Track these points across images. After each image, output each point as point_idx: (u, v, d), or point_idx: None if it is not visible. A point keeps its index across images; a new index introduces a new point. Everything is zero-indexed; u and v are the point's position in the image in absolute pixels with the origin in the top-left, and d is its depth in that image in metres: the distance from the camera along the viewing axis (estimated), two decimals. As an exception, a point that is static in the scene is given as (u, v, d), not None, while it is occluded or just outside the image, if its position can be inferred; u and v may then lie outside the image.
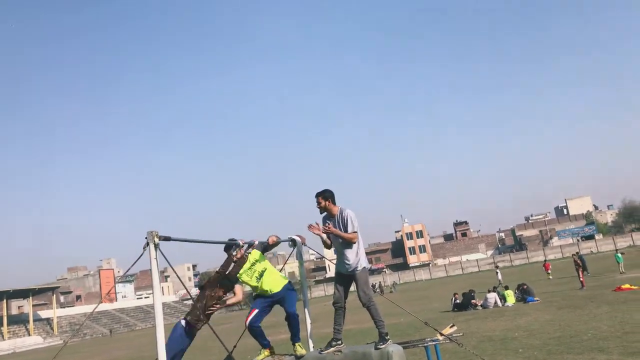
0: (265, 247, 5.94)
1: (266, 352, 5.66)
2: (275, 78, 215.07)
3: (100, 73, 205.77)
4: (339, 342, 5.34)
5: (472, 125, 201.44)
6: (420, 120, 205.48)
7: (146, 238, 4.15)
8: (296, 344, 5.60)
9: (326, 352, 5.19)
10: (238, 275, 5.54)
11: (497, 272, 36.74)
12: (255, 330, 5.62)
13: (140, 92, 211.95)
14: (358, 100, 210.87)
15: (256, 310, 5.66)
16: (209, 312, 5.33)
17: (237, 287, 5.74)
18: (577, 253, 29.09)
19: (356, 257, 5.38)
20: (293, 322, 5.77)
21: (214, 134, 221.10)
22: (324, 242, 5.64)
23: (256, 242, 5.79)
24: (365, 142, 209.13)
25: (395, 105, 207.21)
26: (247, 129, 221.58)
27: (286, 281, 5.93)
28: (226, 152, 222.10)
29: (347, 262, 5.40)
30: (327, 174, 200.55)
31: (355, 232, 5.41)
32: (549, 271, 35.01)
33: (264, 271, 5.78)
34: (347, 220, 5.45)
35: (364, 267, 5.41)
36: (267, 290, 5.78)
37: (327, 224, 5.48)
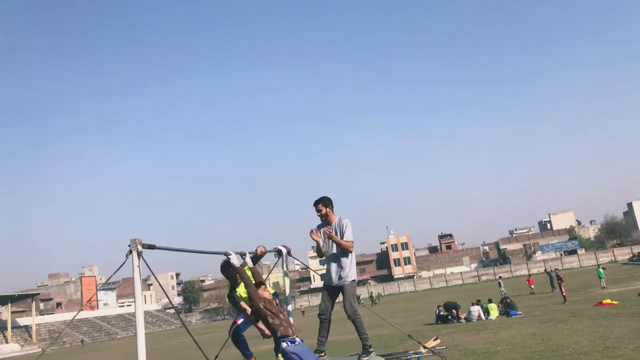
0: (254, 258, 5.89)
1: None
2: (262, 89, 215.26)
3: (85, 75, 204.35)
4: (322, 353, 5.32)
5: (460, 140, 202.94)
6: (407, 133, 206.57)
7: (129, 246, 4.10)
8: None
9: None
10: (237, 291, 5.46)
11: (499, 283, 36.19)
12: (239, 339, 5.57)
13: (124, 97, 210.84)
14: (344, 111, 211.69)
15: (241, 320, 5.62)
16: (278, 312, 4.78)
17: (243, 304, 5.55)
18: (557, 269, 29.42)
19: (348, 268, 5.36)
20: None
21: (199, 140, 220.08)
22: (318, 250, 5.62)
23: (247, 253, 5.74)
24: (353, 153, 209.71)
25: (382, 117, 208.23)
26: (233, 137, 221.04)
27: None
28: (211, 160, 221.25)
29: (338, 273, 5.39)
30: (313, 183, 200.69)
31: (352, 241, 5.40)
32: (532, 286, 35.22)
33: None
34: (345, 228, 5.44)
35: (353, 280, 5.39)
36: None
37: (327, 228, 5.46)
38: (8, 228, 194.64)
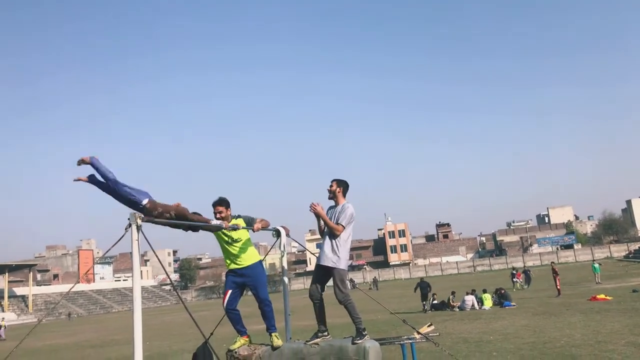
0: (249, 221, 5.86)
1: (242, 340, 5.61)
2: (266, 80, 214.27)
3: (85, 52, 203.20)
4: (325, 332, 5.32)
5: (462, 132, 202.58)
6: (410, 124, 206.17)
7: (129, 219, 4.11)
8: (272, 335, 5.54)
9: (312, 342, 5.17)
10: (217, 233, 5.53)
11: (513, 274, 35.73)
12: (233, 314, 5.61)
13: (127, 72, 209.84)
14: (347, 99, 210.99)
15: (230, 292, 5.64)
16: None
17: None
18: (553, 262, 29.48)
19: (337, 252, 5.35)
20: (266, 309, 5.67)
21: (203, 114, 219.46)
22: (319, 227, 5.71)
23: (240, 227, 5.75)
24: (353, 141, 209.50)
25: (385, 107, 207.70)
26: (237, 117, 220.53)
27: (259, 258, 5.86)
28: (213, 136, 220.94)
29: (329, 256, 5.38)
30: (313, 168, 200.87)
31: (342, 225, 5.38)
32: (520, 280, 35.05)
33: (241, 240, 5.69)
34: (342, 213, 5.43)
35: (342, 268, 5.37)
36: (238, 258, 5.67)
37: (316, 204, 5.47)
38: (7, 198, 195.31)
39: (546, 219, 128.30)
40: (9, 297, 73.74)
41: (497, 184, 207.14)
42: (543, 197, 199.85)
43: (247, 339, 5.64)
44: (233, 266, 5.71)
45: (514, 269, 39.87)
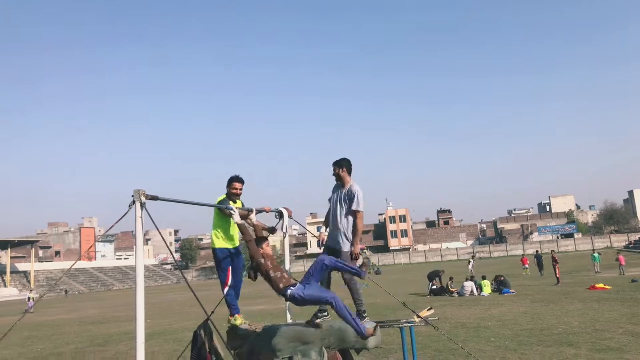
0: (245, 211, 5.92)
1: (240, 318, 5.66)
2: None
3: (97, 27, 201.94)
4: (325, 313, 5.36)
5: (465, 119, 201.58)
6: (412, 111, 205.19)
7: (133, 196, 4.10)
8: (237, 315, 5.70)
9: (313, 322, 5.21)
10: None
11: (470, 262, 35.32)
12: (232, 292, 5.72)
13: (133, 45, 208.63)
14: (352, 82, 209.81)
15: (230, 268, 5.75)
16: (278, 264, 5.06)
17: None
18: (553, 251, 29.50)
19: (346, 233, 5.36)
20: (240, 288, 5.88)
21: (210, 91, 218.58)
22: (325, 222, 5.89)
23: (254, 211, 5.76)
24: (361, 127, 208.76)
25: (392, 93, 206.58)
26: (245, 89, 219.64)
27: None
28: (220, 112, 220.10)
29: (338, 239, 5.41)
30: (315, 151, 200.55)
31: (361, 211, 5.39)
32: (526, 266, 35.31)
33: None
34: (354, 196, 5.42)
35: (347, 251, 5.38)
36: (233, 238, 5.83)
37: (321, 234, 5.52)
38: (10, 174, 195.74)
39: (547, 207, 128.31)
40: (12, 272, 74.32)
41: (499, 172, 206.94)
42: (545, 186, 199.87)
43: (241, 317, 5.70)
44: (230, 245, 5.79)
45: (472, 257, 40.08)
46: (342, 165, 5.61)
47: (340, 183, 5.63)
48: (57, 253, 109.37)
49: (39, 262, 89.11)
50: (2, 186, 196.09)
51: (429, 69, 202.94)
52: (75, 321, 24.08)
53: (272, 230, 6.23)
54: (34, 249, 79.03)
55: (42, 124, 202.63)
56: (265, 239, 5.29)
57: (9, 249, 75.36)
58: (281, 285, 4.77)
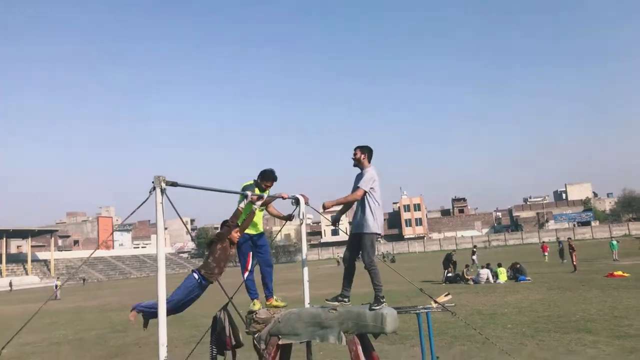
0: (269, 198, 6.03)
1: (259, 303, 5.73)
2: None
3: (114, 13, 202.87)
4: (346, 299, 5.38)
5: (479, 107, 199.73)
6: (428, 97, 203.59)
7: (153, 182, 4.15)
8: (254, 300, 5.74)
9: (330, 303, 5.26)
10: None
11: (473, 251, 35.12)
12: (252, 276, 5.80)
13: (152, 32, 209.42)
14: (366, 71, 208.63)
15: (251, 254, 5.82)
16: (222, 265, 5.35)
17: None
18: (570, 239, 29.21)
19: (366, 218, 5.38)
20: (270, 273, 5.92)
21: (229, 77, 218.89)
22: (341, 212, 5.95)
23: (264, 197, 5.81)
24: (373, 112, 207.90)
25: (403, 80, 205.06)
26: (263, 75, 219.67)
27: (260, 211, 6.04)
28: (238, 98, 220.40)
29: (356, 223, 5.45)
30: (330, 139, 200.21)
31: (361, 188, 5.38)
32: (546, 253, 34.99)
33: (262, 209, 5.96)
34: (360, 177, 5.45)
35: (372, 232, 5.39)
36: (258, 225, 5.91)
37: (325, 205, 5.56)
38: (29, 163, 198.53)
39: (564, 195, 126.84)
40: (32, 261, 75.68)
41: (514, 159, 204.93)
42: (561, 173, 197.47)
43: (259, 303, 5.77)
44: (251, 231, 5.86)
45: (475, 247, 40.01)
46: (365, 151, 5.62)
47: (360, 168, 5.63)
48: (76, 242, 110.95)
49: (58, 250, 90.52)
50: (21, 176, 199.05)
51: (443, 52, 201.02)
52: (96, 308, 24.49)
53: (289, 217, 6.28)
54: (53, 238, 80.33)
55: (60, 114, 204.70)
56: (238, 226, 5.54)
57: (29, 238, 76.69)
58: (202, 272, 5.24)
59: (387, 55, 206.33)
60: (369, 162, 5.62)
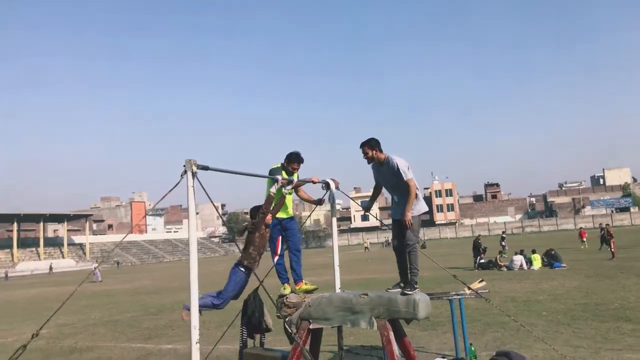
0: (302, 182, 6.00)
1: (289, 287, 5.71)
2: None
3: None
4: (402, 284, 5.26)
5: (514, 88, 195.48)
6: (462, 80, 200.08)
7: (184, 166, 4.14)
8: (285, 284, 5.73)
9: (392, 290, 5.19)
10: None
11: (502, 237, 34.56)
12: (282, 260, 5.78)
13: (181, 22, 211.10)
14: (397, 52, 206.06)
15: (280, 238, 5.81)
16: (262, 251, 5.36)
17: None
18: (608, 225, 28.31)
19: (408, 202, 5.28)
20: (299, 257, 5.89)
21: (260, 63, 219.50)
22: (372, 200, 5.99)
23: (294, 182, 5.76)
24: (404, 98, 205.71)
25: (433, 62, 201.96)
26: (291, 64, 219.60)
27: (289, 194, 6.01)
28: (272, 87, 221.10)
29: (398, 208, 5.34)
30: (357, 123, 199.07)
31: (409, 179, 5.27)
32: (584, 239, 34.02)
33: (291, 194, 5.95)
34: (396, 169, 5.29)
35: (415, 214, 5.28)
36: (285, 207, 5.87)
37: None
38: (64, 149, 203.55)
39: (601, 180, 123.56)
40: (68, 244, 77.90)
41: (550, 143, 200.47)
42: (598, 157, 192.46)
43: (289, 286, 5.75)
44: (283, 215, 5.85)
45: (503, 233, 39.12)
46: (374, 146, 5.44)
47: (375, 163, 5.51)
48: (110, 226, 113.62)
49: (93, 234, 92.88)
50: (56, 160, 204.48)
51: (470, 35, 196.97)
52: (129, 291, 25.05)
53: (319, 202, 6.22)
54: (88, 223, 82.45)
55: (94, 102, 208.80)
56: (269, 226, 5.54)
57: (65, 222, 78.86)
58: (245, 262, 5.26)
59: (420, 37, 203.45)
60: (382, 151, 5.48)
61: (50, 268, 63.84)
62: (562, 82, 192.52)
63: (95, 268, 36.81)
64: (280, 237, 5.82)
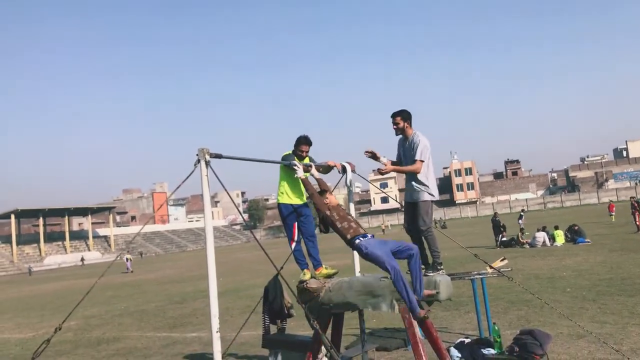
0: (324, 169, 5.94)
1: (309, 272, 5.70)
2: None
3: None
4: (424, 266, 5.22)
5: (530, 61, 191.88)
6: (478, 59, 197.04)
7: (197, 155, 4.12)
8: (304, 270, 5.65)
9: (381, 277, 5.17)
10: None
11: (521, 215, 34.20)
12: (300, 246, 5.77)
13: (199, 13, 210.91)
14: (421, 31, 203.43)
15: (296, 224, 5.78)
16: (350, 218, 4.98)
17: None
18: (633, 197, 27.76)
19: (421, 185, 5.22)
20: (314, 242, 5.84)
21: (280, 51, 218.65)
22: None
23: (314, 166, 5.71)
24: (425, 76, 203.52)
25: (453, 40, 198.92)
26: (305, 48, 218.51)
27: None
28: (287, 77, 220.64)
29: (411, 191, 5.28)
30: (379, 99, 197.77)
31: (421, 161, 5.20)
32: (613, 213, 33.45)
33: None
34: (416, 147, 5.24)
35: (428, 199, 5.24)
36: (298, 194, 5.83)
37: (382, 166, 5.31)
38: (88, 143, 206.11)
39: (624, 152, 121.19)
40: (93, 237, 79.22)
41: (570, 117, 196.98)
42: (621, 129, 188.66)
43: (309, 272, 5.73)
44: (294, 201, 5.82)
45: (522, 211, 38.37)
46: (406, 118, 5.38)
47: (403, 135, 5.43)
48: (133, 218, 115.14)
49: (117, 226, 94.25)
50: (78, 155, 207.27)
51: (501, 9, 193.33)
52: (154, 281, 25.42)
53: (329, 168, 6.08)
54: (111, 215, 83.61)
55: (115, 97, 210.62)
56: (327, 190, 5.23)
57: (89, 215, 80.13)
58: (348, 236, 4.72)
59: (442, 18, 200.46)
60: (411, 126, 5.42)
61: (82, 260, 65.05)
62: (582, 52, 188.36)
63: (127, 260, 37.35)
64: (296, 223, 5.80)
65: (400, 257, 4.66)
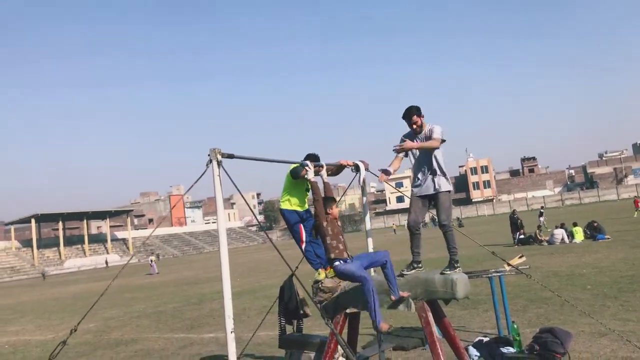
0: (337, 168, 5.94)
1: (324, 272, 5.66)
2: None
3: None
4: (419, 264, 5.16)
5: (548, 58, 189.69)
6: (491, 50, 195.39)
7: (209, 155, 4.10)
8: (318, 270, 5.66)
9: (407, 273, 5.08)
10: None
11: (541, 212, 34.18)
12: (306, 252, 5.79)
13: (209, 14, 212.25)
14: (430, 26, 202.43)
15: (302, 227, 5.85)
16: (341, 237, 5.00)
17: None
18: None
19: (442, 177, 5.10)
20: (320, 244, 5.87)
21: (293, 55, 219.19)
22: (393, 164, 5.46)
23: (324, 166, 5.65)
24: (435, 72, 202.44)
25: (468, 33, 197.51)
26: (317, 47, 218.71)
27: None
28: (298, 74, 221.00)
29: (431, 182, 5.11)
30: (390, 97, 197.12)
31: (440, 139, 5.09)
32: (638, 208, 32.77)
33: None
34: (432, 131, 5.14)
35: (448, 190, 5.14)
36: (302, 202, 5.98)
37: (402, 142, 5.20)
38: (105, 148, 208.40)
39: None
40: (112, 240, 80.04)
41: (588, 112, 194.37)
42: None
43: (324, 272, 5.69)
44: (298, 208, 6.01)
45: (542, 208, 37.92)
46: (420, 113, 5.26)
47: (419, 130, 5.31)
48: (150, 220, 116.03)
49: (135, 229, 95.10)
50: (95, 160, 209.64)
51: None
52: (172, 282, 25.57)
53: (341, 167, 6.06)
54: (129, 218, 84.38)
55: (136, 100, 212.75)
56: (334, 199, 5.14)
57: (107, 219, 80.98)
58: (332, 255, 4.81)
59: (450, 9, 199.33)
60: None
61: (106, 263, 65.75)
62: (598, 46, 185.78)
63: (152, 261, 37.68)
64: (301, 224, 5.87)
65: (376, 266, 4.97)
